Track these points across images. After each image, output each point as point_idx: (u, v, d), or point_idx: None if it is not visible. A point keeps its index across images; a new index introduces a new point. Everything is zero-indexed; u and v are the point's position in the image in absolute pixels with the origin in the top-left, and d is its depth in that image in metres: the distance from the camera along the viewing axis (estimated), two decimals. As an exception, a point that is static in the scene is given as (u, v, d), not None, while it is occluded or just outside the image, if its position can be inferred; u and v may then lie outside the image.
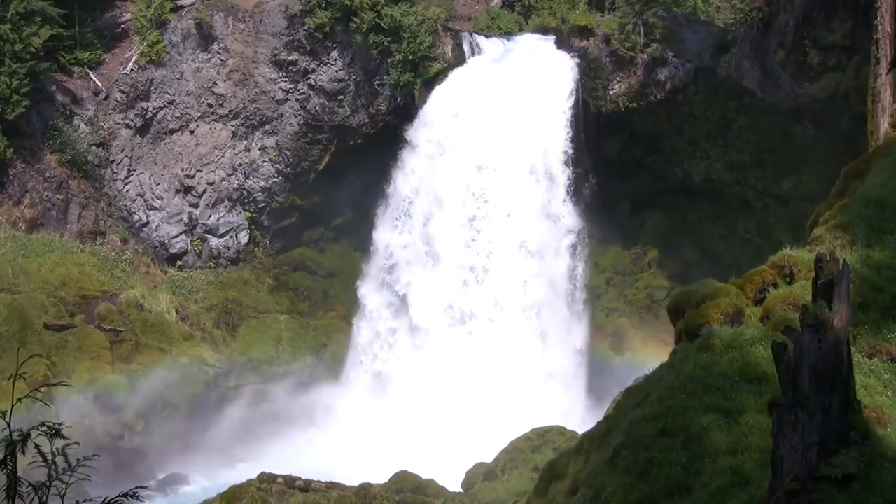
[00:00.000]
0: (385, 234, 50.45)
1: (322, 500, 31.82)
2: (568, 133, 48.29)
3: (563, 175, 48.49)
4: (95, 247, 48.20)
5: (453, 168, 48.33)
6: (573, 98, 48.88)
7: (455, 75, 49.73)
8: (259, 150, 51.50)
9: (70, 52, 49.56)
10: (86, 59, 49.80)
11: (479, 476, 33.35)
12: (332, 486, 33.04)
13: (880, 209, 18.06)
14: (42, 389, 9.25)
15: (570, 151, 48.49)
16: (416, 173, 49.73)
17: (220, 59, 50.77)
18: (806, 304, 10.57)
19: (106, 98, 49.69)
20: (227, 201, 51.65)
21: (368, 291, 50.76)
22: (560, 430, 34.25)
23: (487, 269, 47.43)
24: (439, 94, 49.53)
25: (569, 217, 48.64)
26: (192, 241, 51.41)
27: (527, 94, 48.31)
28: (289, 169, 51.69)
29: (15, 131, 46.57)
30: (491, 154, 47.85)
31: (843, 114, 38.30)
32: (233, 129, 51.16)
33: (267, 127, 51.35)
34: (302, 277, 52.83)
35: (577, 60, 49.16)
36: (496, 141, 48.00)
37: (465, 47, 49.88)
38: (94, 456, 7.55)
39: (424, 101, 49.58)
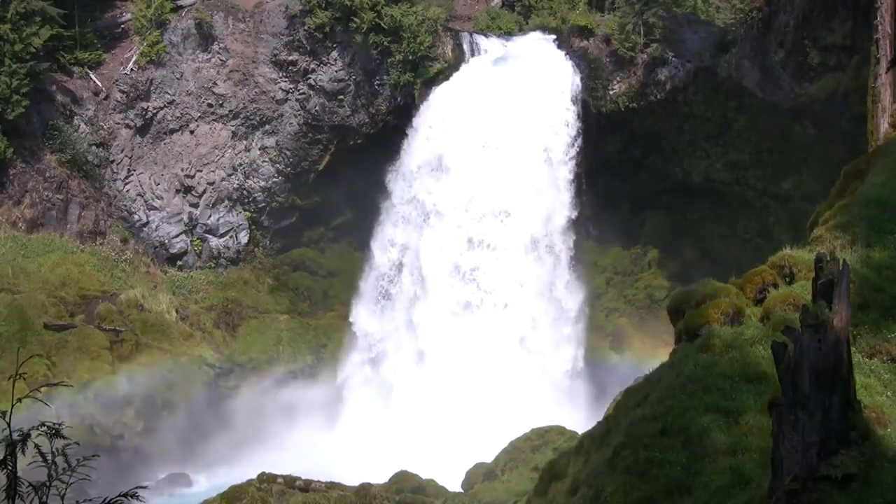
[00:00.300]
0: (365, 319, 46.18)
1: (322, 500, 31.82)
2: (573, 196, 43.81)
3: (564, 246, 43.55)
4: (95, 247, 48.20)
5: (439, 240, 42.82)
6: (579, 141, 44.38)
7: (437, 109, 44.71)
8: (259, 150, 51.49)
9: (70, 52, 49.55)
10: (86, 59, 49.80)
11: (479, 476, 33.35)
12: (332, 486, 33.04)
13: (880, 209, 18.06)
14: (42, 389, 9.25)
15: (575, 216, 44.40)
16: (397, 245, 45.03)
17: (220, 59, 50.77)
18: (806, 304, 10.56)
19: (106, 98, 49.69)
20: (227, 201, 51.64)
21: (351, 371, 46.03)
22: (560, 430, 34.21)
23: (482, 371, 40.85)
24: (421, 134, 44.91)
25: (571, 299, 43.94)
26: (192, 241, 51.41)
27: (521, 147, 42.75)
28: (289, 169, 51.68)
29: (15, 131, 46.57)
30: (484, 223, 42.12)
31: (843, 114, 38.30)
32: (233, 129, 51.16)
33: (267, 127, 51.34)
34: (302, 277, 52.82)
35: (580, 125, 44.31)
36: (489, 203, 42.26)
37: (465, 47, 49.82)
38: (94, 456, 7.55)
39: (407, 137, 45.20)
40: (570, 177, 45.05)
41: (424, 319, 42.68)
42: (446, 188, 43.52)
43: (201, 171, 51.20)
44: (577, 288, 44.92)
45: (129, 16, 52.00)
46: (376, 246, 46.43)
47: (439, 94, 47.33)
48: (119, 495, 7.16)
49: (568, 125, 45.76)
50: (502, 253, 42.26)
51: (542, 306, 42.82)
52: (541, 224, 43.38)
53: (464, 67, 48.11)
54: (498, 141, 43.94)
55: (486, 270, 42.13)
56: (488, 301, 41.93)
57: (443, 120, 45.72)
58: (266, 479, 32.40)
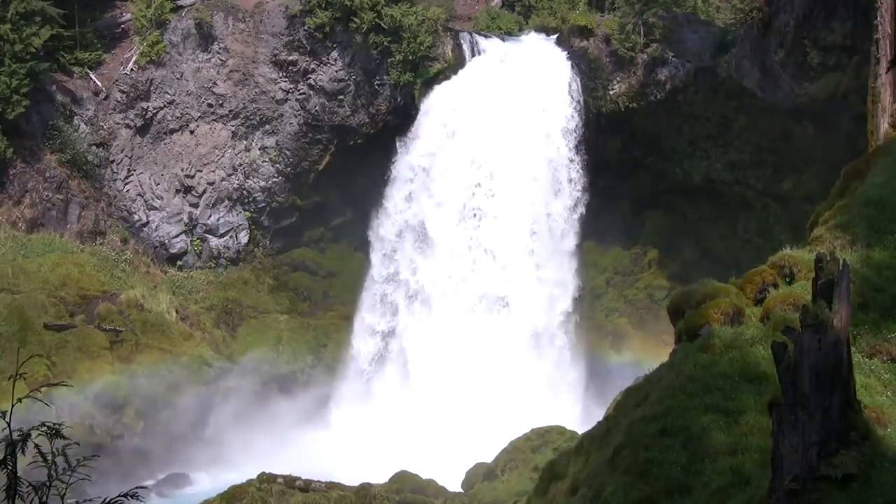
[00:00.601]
0: (346, 412, 42.91)
1: (322, 500, 31.80)
2: (576, 267, 40.83)
3: (567, 338, 39.80)
4: (95, 247, 48.19)
5: (425, 334, 39.27)
6: (585, 197, 41.10)
7: (418, 153, 42.69)
8: (259, 150, 51.49)
9: (70, 52, 49.55)
10: (86, 59, 49.80)
11: (479, 476, 33.33)
12: (332, 486, 33.03)
13: (880, 209, 18.06)
14: (42, 389, 9.23)
15: (579, 293, 41.05)
16: (377, 334, 41.81)
17: (220, 59, 50.77)
18: (806, 304, 10.56)
19: (106, 98, 49.70)
20: (227, 201, 51.64)
21: (331, 449, 41.19)
22: (560, 430, 34.19)
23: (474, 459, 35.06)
24: (400, 192, 42.85)
25: (573, 398, 40.86)
26: (192, 241, 51.41)
27: (519, 213, 38.46)
28: (289, 169, 51.68)
29: (15, 131, 46.57)
30: (477, 313, 38.18)
31: (843, 114, 38.31)
32: (233, 129, 51.17)
33: (267, 127, 51.34)
34: (302, 277, 52.81)
35: (586, 180, 40.53)
36: (482, 286, 38.30)
37: (465, 47, 49.84)
38: (94, 456, 7.55)
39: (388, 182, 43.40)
40: (576, 242, 42.15)
41: (409, 427, 38.51)
42: (432, 266, 39.88)
43: (201, 171, 51.20)
44: (578, 384, 42.29)
45: (129, 16, 52.01)
46: (357, 329, 43.86)
47: (431, 110, 45.91)
48: (119, 495, 7.16)
49: (572, 182, 43.41)
50: (499, 349, 38.47)
51: (546, 413, 37.93)
52: (543, 312, 39.81)
53: (452, 83, 46.20)
54: (493, 208, 40.64)
55: (481, 372, 38.14)
56: (484, 410, 37.62)
57: (423, 169, 43.58)
58: (266, 479, 32.38)
